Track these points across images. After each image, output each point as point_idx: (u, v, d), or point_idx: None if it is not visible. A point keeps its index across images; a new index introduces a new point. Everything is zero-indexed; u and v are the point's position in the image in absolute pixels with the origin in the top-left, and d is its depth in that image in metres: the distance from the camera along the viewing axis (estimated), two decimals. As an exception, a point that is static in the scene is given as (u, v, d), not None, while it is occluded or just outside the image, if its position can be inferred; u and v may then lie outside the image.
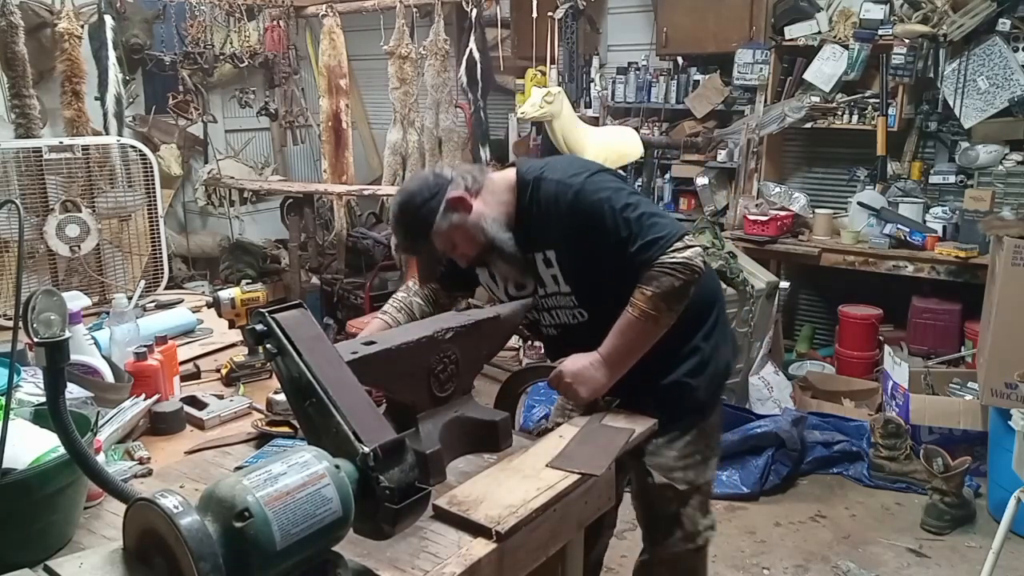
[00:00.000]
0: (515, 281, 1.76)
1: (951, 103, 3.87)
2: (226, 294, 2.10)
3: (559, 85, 4.58)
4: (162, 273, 2.69)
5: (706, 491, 1.83)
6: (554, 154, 4.39)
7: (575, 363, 1.62)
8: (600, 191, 1.59)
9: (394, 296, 1.92)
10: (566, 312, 1.73)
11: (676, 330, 1.64)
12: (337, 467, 0.99)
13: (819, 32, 4.20)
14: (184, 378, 1.91)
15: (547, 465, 1.40)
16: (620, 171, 4.60)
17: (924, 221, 3.96)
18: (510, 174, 1.69)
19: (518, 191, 1.66)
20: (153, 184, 2.62)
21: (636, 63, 4.88)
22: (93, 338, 1.77)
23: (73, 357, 1.10)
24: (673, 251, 1.53)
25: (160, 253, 2.67)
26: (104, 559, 0.95)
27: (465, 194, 1.63)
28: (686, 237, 1.55)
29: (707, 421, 1.79)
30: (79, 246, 2.48)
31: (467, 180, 1.64)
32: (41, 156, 2.45)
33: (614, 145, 4.39)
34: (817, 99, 4.21)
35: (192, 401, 1.73)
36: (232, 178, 5.43)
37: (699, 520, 1.81)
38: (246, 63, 5.01)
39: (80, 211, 2.49)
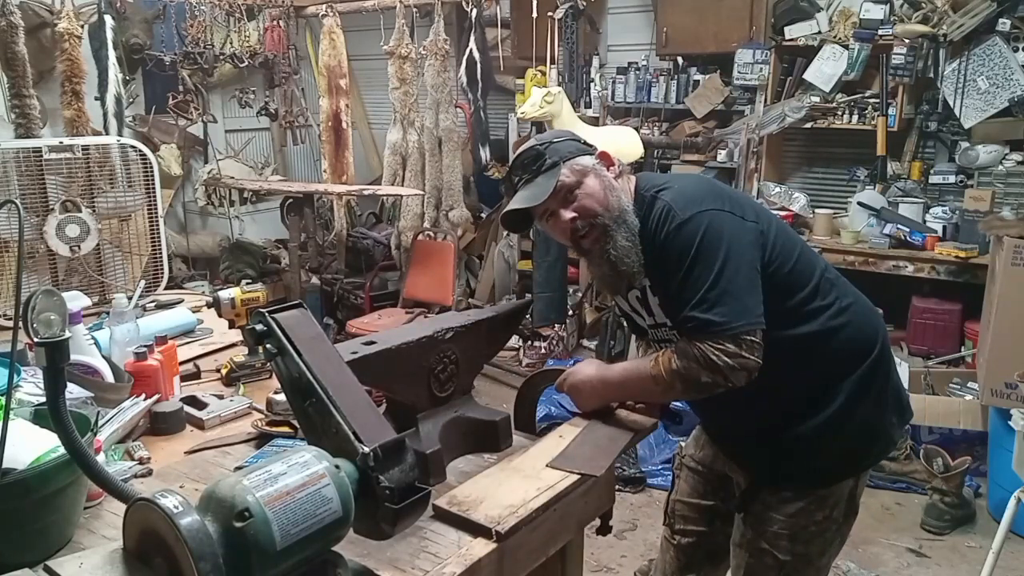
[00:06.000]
0: (609, 285, 1.57)
1: (951, 103, 3.87)
2: (226, 294, 2.10)
3: (559, 85, 4.58)
4: (162, 273, 2.68)
5: (822, 572, 1.63)
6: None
7: (578, 375, 1.58)
8: (702, 235, 1.38)
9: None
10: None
11: (812, 374, 1.49)
12: (337, 467, 0.99)
13: (819, 32, 4.20)
14: (184, 378, 1.90)
15: (547, 465, 1.39)
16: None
17: (924, 221, 3.96)
18: (631, 184, 1.53)
19: (635, 204, 1.49)
20: (153, 184, 2.62)
21: (636, 63, 4.88)
22: (93, 338, 1.77)
23: (73, 357, 1.10)
24: (719, 349, 1.35)
25: (160, 253, 2.67)
26: (104, 559, 0.95)
27: (616, 161, 1.52)
28: (745, 339, 1.35)
29: (831, 490, 1.55)
30: (79, 246, 2.48)
31: (618, 162, 1.55)
32: (41, 156, 2.45)
33: (614, 145, 4.37)
34: (817, 99, 4.21)
35: (192, 401, 1.73)
36: (232, 178, 5.43)
37: None
38: (246, 63, 5.01)
39: (80, 211, 2.48)
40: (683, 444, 1.90)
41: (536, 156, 1.48)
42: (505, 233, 5.52)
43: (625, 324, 1.80)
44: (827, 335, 1.49)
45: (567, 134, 1.56)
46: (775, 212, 4.20)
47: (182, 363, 1.93)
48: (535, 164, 1.48)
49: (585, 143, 1.53)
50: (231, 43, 4.99)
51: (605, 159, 1.51)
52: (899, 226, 3.91)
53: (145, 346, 1.73)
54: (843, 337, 1.50)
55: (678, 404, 1.66)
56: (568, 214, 1.47)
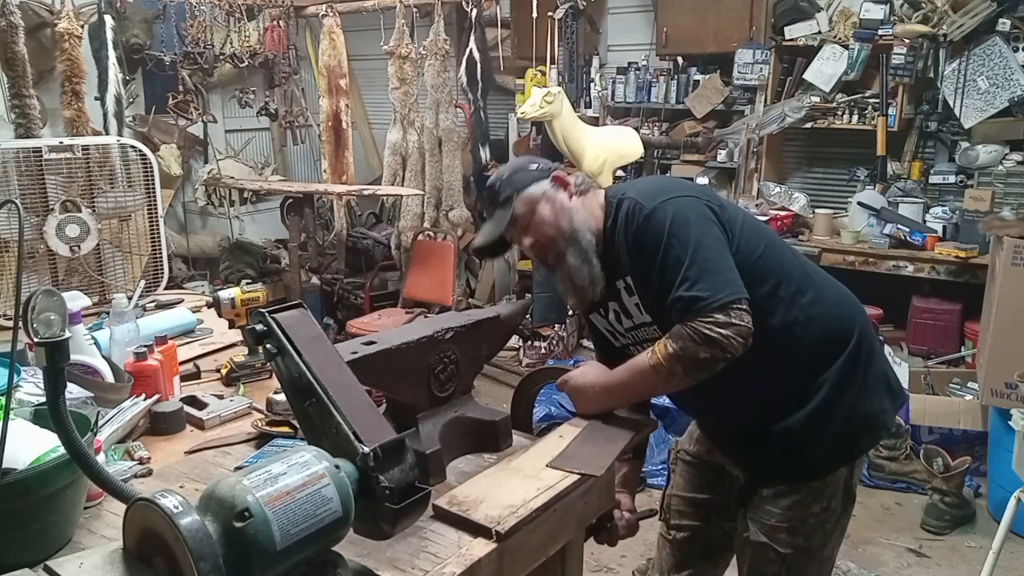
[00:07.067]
0: (574, 299, 1.62)
1: (951, 103, 3.88)
2: (226, 294, 2.10)
3: (559, 85, 4.58)
4: (162, 273, 2.68)
5: (825, 565, 1.63)
6: (554, 153, 4.40)
7: (581, 378, 1.59)
8: (670, 220, 1.44)
9: None
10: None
11: (791, 368, 1.51)
12: (337, 467, 0.99)
13: (819, 32, 4.20)
14: (184, 378, 1.90)
15: (547, 465, 1.39)
16: (621, 171, 4.62)
17: (924, 221, 3.96)
18: (601, 195, 1.61)
19: (605, 212, 1.57)
20: (153, 184, 2.61)
21: (636, 63, 4.88)
22: (93, 338, 1.76)
23: (73, 357, 1.10)
24: (710, 321, 1.37)
25: (160, 253, 2.67)
26: (104, 559, 0.94)
27: (571, 181, 1.58)
28: (732, 308, 1.37)
29: (826, 481, 1.56)
30: (79, 246, 2.48)
31: (578, 178, 1.62)
32: (41, 156, 2.45)
33: (614, 145, 4.40)
34: (817, 99, 4.22)
35: (192, 401, 1.73)
36: (232, 178, 5.43)
37: None
38: (246, 63, 5.01)
39: (80, 211, 2.48)
40: (678, 440, 1.91)
41: (493, 193, 1.61)
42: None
43: (594, 347, 1.83)
44: (801, 325, 1.50)
45: (525, 163, 1.64)
46: (774, 212, 4.23)
47: (182, 363, 1.92)
48: (493, 200, 1.61)
49: (542, 168, 1.60)
50: (231, 43, 4.99)
51: (559, 181, 1.58)
52: (899, 226, 3.91)
53: (145, 346, 1.73)
54: (816, 327, 1.51)
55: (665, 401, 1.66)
56: (527, 240, 1.59)
